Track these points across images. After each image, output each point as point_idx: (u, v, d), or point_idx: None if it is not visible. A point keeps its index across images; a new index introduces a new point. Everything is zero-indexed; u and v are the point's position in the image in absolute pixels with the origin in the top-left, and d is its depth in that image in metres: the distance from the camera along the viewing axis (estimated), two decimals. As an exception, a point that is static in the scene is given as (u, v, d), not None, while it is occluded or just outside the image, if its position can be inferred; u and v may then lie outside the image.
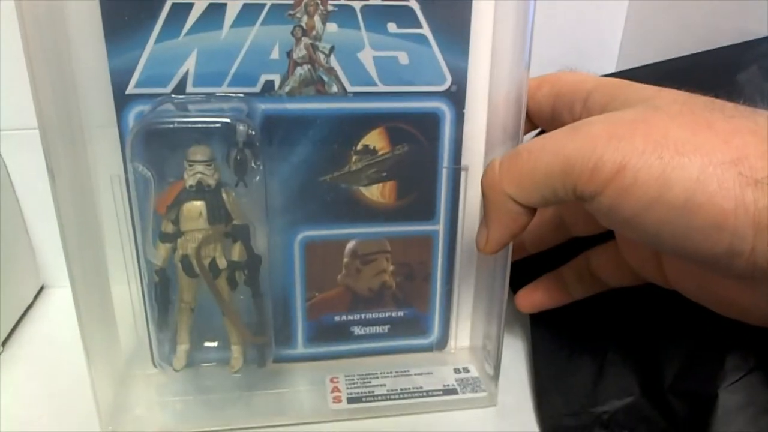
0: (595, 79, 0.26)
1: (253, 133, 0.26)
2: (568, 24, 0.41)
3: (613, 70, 0.41)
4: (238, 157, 0.26)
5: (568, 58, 0.40)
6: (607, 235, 0.31)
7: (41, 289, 0.43)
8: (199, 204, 0.27)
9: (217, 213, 0.27)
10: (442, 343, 0.35)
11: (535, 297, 0.33)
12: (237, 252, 0.28)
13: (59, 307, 0.41)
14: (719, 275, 0.22)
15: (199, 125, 0.26)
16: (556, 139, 0.23)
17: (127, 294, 0.31)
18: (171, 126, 0.26)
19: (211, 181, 0.27)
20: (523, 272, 0.35)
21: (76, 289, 0.27)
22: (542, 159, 0.23)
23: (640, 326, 0.31)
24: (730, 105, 0.22)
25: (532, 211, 0.25)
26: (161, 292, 0.28)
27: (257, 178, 0.27)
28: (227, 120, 0.26)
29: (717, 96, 0.23)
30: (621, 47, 0.42)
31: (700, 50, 0.33)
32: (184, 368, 0.30)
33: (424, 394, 0.32)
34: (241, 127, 0.26)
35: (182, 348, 0.30)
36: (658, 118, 0.21)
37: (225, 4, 0.27)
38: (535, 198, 0.24)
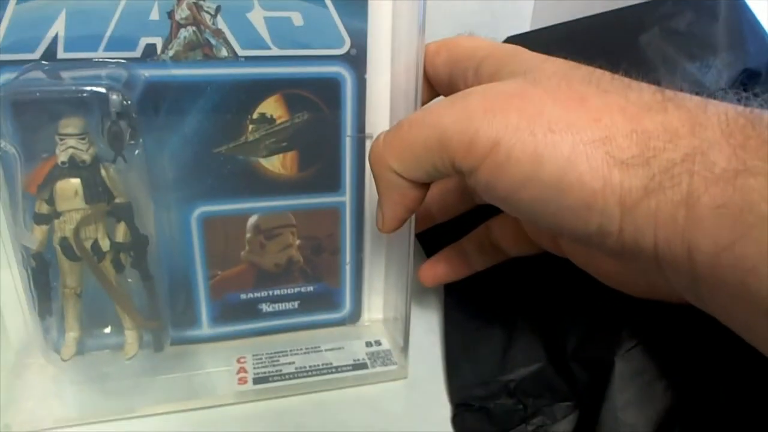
0: (489, 46, 0.26)
1: (128, 103, 0.24)
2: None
3: (527, 29, 0.40)
4: (113, 130, 0.24)
5: (481, 17, 0.39)
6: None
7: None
8: (74, 182, 0.25)
9: (95, 191, 0.25)
10: (354, 317, 0.35)
11: (437, 270, 0.33)
12: (121, 233, 0.26)
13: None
14: (595, 251, 0.22)
15: (67, 95, 0.24)
16: (435, 111, 0.22)
17: (10, 279, 0.29)
18: (36, 96, 0.24)
19: (86, 157, 0.24)
20: (438, 240, 0.34)
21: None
22: (422, 132, 0.22)
23: (548, 296, 0.31)
24: (607, 77, 0.21)
25: (421, 185, 0.24)
26: (40, 278, 0.26)
27: (137, 152, 0.25)
28: (99, 89, 0.24)
29: (620, 59, 0.22)
30: (534, 6, 0.42)
31: (608, 9, 0.33)
32: (74, 356, 0.28)
33: (333, 370, 0.31)
34: (114, 97, 0.24)
35: (71, 336, 0.28)
36: (534, 93, 0.20)
37: (93, -40, 0.24)
38: (418, 172, 0.23)
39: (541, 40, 0.27)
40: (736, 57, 0.29)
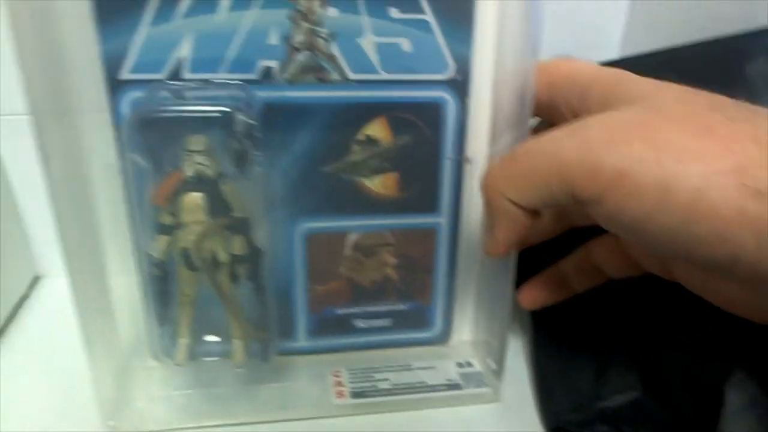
0: (592, 71, 0.25)
1: (253, 122, 0.25)
2: (568, 9, 0.40)
3: (615, 57, 0.40)
4: (238, 148, 0.25)
5: (566, 45, 0.40)
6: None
7: (36, 279, 0.42)
8: (198, 195, 0.26)
9: (217, 205, 0.26)
10: (444, 337, 0.35)
11: (536, 293, 0.32)
12: (238, 245, 0.27)
13: (55, 298, 0.40)
14: (722, 278, 0.22)
15: (196, 114, 0.25)
16: (553, 140, 0.22)
17: (125, 286, 0.30)
18: (167, 115, 0.25)
19: (210, 172, 0.26)
20: (526, 264, 0.34)
21: (74, 280, 0.26)
22: (539, 161, 0.22)
23: (642, 321, 0.30)
24: (732, 105, 0.21)
25: (534, 212, 0.24)
26: (161, 285, 0.28)
27: (257, 169, 0.26)
28: (226, 109, 0.25)
29: (724, 90, 0.22)
30: (624, 34, 0.41)
31: (704, 38, 0.32)
32: (184, 362, 0.29)
33: (428, 389, 0.31)
34: (240, 117, 0.25)
35: (183, 342, 0.29)
36: (658, 121, 0.20)
37: (221, -13, 0.26)
38: (534, 200, 0.23)
39: (636, 68, 0.27)
40: None
